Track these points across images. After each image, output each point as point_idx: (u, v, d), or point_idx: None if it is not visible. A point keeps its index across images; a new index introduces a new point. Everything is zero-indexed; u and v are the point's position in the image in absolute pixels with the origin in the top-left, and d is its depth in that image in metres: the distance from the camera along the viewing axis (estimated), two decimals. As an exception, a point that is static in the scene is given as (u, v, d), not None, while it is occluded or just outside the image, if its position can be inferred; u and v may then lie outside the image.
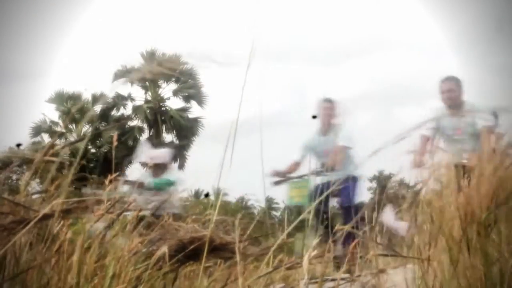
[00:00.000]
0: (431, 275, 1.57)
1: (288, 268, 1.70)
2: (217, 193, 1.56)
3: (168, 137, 22.08)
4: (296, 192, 5.89)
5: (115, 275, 1.25)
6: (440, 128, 5.79)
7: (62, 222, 1.46)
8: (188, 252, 1.39)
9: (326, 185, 5.40)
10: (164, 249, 1.27)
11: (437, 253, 1.59)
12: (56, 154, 1.63)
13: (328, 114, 5.87)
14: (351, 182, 5.37)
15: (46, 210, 1.45)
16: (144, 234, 1.39)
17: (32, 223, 1.45)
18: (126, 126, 20.73)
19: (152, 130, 21.65)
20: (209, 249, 1.40)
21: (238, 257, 1.40)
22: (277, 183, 5.94)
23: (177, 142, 21.81)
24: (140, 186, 5.35)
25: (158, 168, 5.77)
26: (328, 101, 5.96)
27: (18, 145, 1.74)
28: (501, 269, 1.49)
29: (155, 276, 1.34)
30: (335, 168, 5.54)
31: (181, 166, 21.31)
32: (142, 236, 1.35)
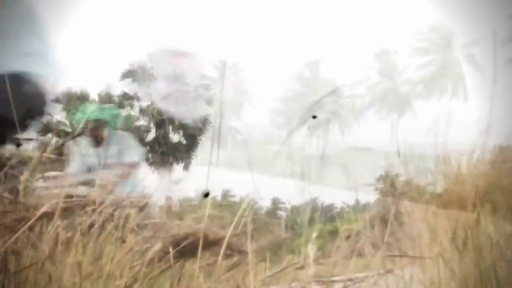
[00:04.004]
0: (431, 272, 1.56)
1: (297, 269, 1.68)
2: (224, 194, 1.55)
3: (175, 137, 22.06)
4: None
5: (110, 274, 1.25)
6: None
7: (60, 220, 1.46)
8: (183, 249, 1.39)
9: None
10: (157, 246, 1.27)
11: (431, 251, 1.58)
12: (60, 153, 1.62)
13: None
14: None
15: (45, 208, 1.45)
16: (136, 231, 1.39)
17: (31, 221, 1.45)
18: (133, 125, 20.73)
19: (159, 130, 21.65)
20: (204, 244, 1.39)
21: (249, 257, 1.40)
22: None
23: (185, 142, 21.80)
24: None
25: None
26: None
27: (18, 144, 1.75)
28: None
29: (149, 274, 1.33)
30: None
31: (186, 167, 21.28)
32: (135, 234, 1.35)
